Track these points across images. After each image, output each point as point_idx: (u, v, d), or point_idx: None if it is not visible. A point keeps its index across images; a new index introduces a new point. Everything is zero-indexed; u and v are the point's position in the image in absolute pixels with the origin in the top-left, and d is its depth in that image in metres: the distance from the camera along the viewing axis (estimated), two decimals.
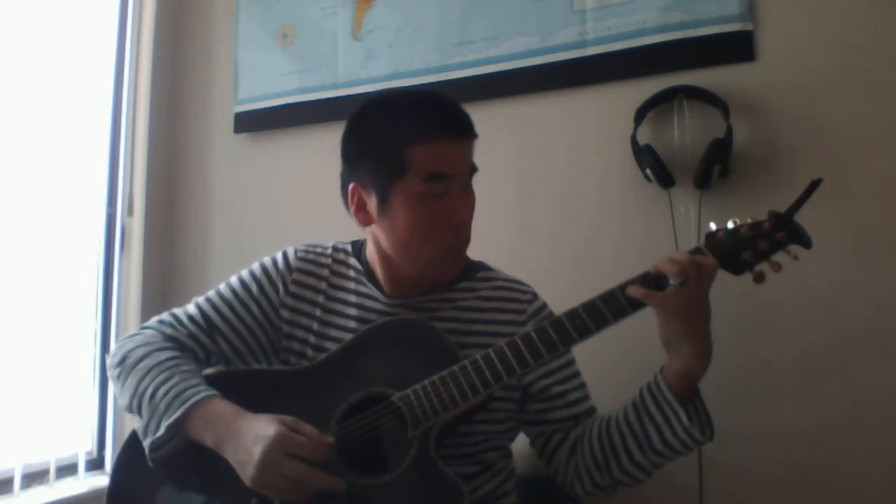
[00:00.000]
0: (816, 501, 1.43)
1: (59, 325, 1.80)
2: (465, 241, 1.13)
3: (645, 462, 1.07)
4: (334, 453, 1.01)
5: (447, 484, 1.00)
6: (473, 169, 1.12)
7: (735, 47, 1.55)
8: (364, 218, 1.13)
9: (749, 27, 1.55)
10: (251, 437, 0.98)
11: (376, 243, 1.15)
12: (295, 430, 0.98)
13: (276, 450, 0.95)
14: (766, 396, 1.47)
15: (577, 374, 1.20)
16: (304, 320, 1.18)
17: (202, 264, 2.08)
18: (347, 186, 1.13)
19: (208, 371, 1.15)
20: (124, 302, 2.00)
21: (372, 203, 1.10)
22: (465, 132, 1.08)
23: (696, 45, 1.58)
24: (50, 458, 1.70)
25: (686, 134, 1.57)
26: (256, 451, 0.96)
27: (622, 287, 1.03)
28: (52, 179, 1.80)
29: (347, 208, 1.15)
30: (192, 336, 1.17)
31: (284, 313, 1.18)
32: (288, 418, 1.00)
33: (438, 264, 1.12)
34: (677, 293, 0.99)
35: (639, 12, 1.63)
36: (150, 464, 1.04)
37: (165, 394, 1.04)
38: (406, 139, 1.05)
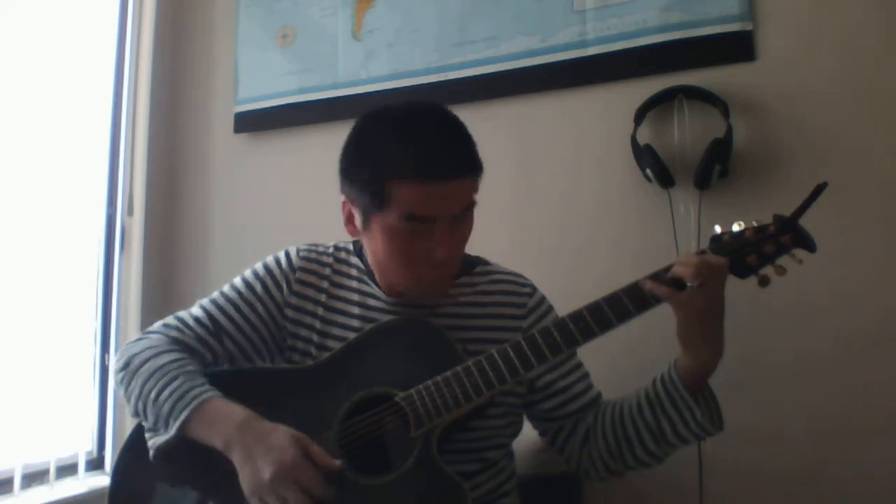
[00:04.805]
0: (815, 501, 1.43)
1: (60, 326, 1.80)
2: (448, 274, 1.09)
3: (658, 451, 1.10)
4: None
5: (449, 484, 1.00)
6: (472, 203, 1.06)
7: (735, 47, 1.56)
8: (351, 230, 1.13)
9: (749, 27, 1.55)
10: (263, 449, 0.96)
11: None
12: (306, 453, 0.96)
13: (285, 476, 0.94)
14: (767, 396, 1.47)
15: (579, 364, 1.21)
16: (308, 319, 1.18)
17: (202, 264, 2.08)
18: (342, 195, 1.12)
19: (212, 370, 1.14)
20: (124, 302, 2.00)
21: (358, 219, 1.10)
22: (457, 174, 1.00)
23: (696, 45, 1.58)
24: (50, 458, 1.70)
25: (686, 134, 1.57)
26: (265, 470, 0.95)
27: (628, 289, 1.03)
28: (52, 180, 1.80)
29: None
30: (198, 338, 1.16)
31: (289, 312, 1.18)
32: (300, 435, 0.98)
33: (415, 291, 1.11)
34: (697, 295, 0.99)
35: (639, 12, 1.64)
36: (151, 459, 1.04)
37: (170, 395, 1.03)
38: (389, 173, 1.00)
